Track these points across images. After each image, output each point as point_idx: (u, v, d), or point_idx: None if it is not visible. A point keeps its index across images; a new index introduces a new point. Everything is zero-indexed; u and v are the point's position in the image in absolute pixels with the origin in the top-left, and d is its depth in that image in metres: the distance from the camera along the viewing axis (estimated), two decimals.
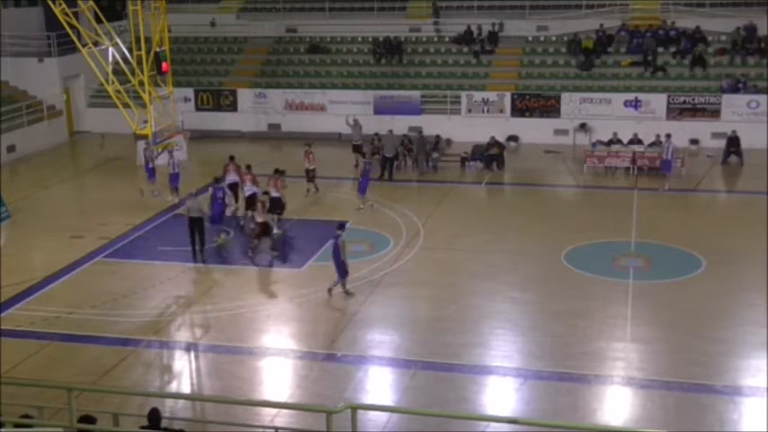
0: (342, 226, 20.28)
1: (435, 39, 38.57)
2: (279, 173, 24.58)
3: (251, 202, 24.26)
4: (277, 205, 24.12)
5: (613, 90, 34.28)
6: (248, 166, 25.38)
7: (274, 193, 24.11)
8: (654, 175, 28.87)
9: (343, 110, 35.45)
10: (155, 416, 11.31)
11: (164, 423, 11.72)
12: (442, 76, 36.71)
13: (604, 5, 38.11)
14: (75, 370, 16.57)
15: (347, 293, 19.87)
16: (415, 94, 35.61)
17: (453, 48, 37.96)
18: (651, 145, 29.97)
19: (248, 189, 24.63)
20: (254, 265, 22.08)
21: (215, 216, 23.81)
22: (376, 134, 30.75)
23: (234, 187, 25.38)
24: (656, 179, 28.46)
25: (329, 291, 19.90)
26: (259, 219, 22.53)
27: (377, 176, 28.85)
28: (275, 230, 23.44)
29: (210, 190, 24.37)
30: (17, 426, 10.26)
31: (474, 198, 28.39)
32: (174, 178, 27.09)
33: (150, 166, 28.04)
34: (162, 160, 31.76)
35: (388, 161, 29.66)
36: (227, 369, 16.89)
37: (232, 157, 26.18)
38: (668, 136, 28.73)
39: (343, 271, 19.74)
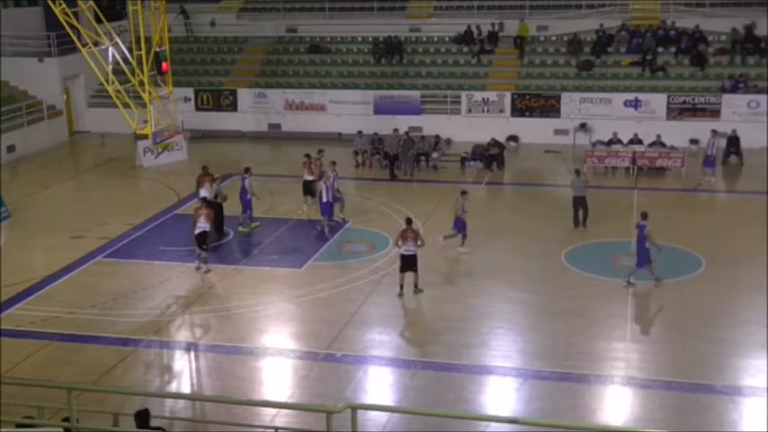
0: (645, 216, 20.09)
1: (435, 39, 38.55)
2: (308, 156, 25.48)
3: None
4: (310, 189, 24.85)
5: (613, 90, 34.25)
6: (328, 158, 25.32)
7: (308, 177, 24.86)
8: (654, 175, 28.86)
9: (344, 110, 35.52)
10: (143, 416, 11.10)
11: (164, 423, 11.69)
12: (442, 76, 36.68)
13: (604, 5, 38.08)
14: (75, 370, 16.56)
15: (628, 283, 19.86)
16: (415, 94, 35.59)
17: (453, 48, 37.94)
18: (651, 145, 30.01)
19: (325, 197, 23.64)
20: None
21: (246, 203, 23.93)
22: (375, 134, 30.74)
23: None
24: (656, 179, 28.45)
25: (628, 281, 19.88)
26: (404, 251, 19.74)
27: (387, 177, 29.36)
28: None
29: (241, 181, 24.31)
30: (18, 426, 10.26)
31: (474, 198, 28.29)
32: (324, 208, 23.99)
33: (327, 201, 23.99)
34: (163, 159, 31.87)
35: (390, 159, 29.69)
36: (227, 369, 16.89)
37: (205, 168, 24.44)
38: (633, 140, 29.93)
39: (644, 260, 19.75)
